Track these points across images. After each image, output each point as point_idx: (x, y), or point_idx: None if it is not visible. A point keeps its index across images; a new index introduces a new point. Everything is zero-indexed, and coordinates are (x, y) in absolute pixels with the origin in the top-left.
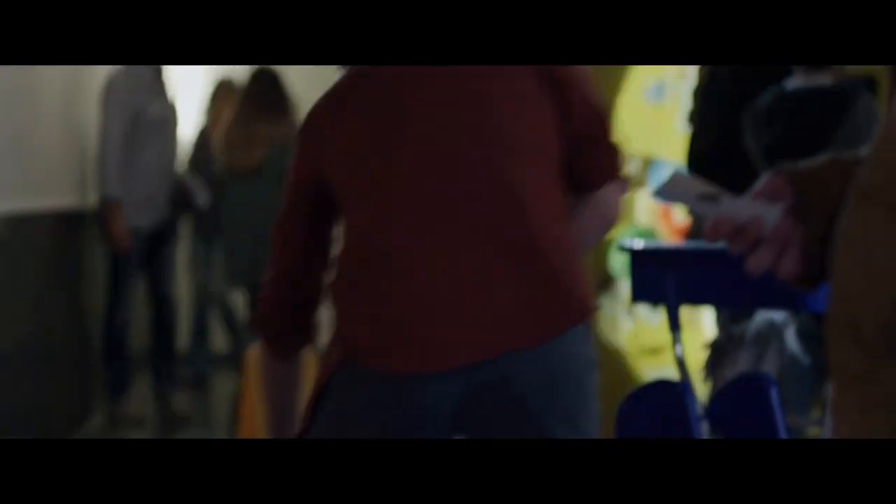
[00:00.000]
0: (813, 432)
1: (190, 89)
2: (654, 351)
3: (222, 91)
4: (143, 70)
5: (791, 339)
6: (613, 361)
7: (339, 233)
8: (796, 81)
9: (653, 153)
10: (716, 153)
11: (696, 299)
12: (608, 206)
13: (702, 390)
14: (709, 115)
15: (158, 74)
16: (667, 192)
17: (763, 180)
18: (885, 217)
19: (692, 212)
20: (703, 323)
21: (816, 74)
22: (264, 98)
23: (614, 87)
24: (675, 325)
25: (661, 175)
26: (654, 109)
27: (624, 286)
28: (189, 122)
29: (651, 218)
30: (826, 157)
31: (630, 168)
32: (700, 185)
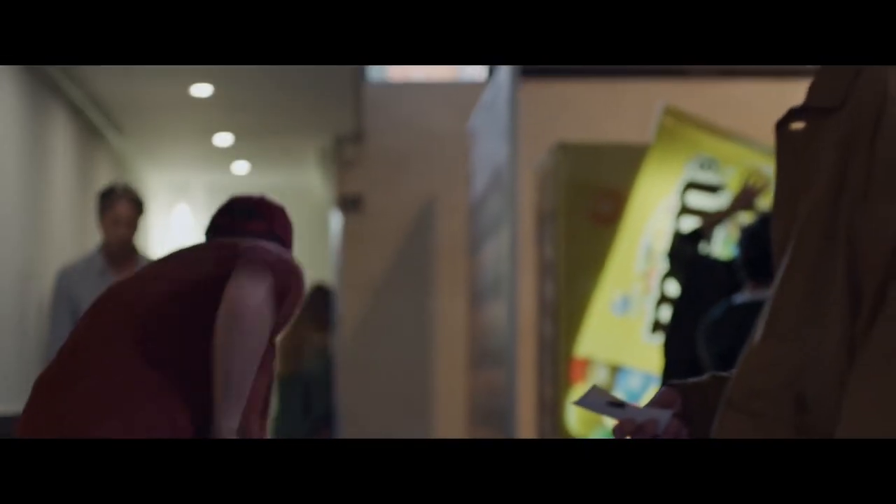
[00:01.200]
0: None
1: None
2: None
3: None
4: (91, 262)
5: None
6: None
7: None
8: (744, 296)
9: (619, 362)
10: (684, 363)
11: None
12: (226, 315)
13: None
14: (677, 328)
15: (109, 263)
16: (584, 402)
17: (659, 392)
18: (744, 421)
19: (604, 416)
20: None
21: (762, 289)
22: (315, 311)
23: (584, 301)
24: None
25: (627, 382)
26: (620, 321)
27: None
28: None
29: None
30: (708, 375)
31: (599, 376)
32: (609, 396)
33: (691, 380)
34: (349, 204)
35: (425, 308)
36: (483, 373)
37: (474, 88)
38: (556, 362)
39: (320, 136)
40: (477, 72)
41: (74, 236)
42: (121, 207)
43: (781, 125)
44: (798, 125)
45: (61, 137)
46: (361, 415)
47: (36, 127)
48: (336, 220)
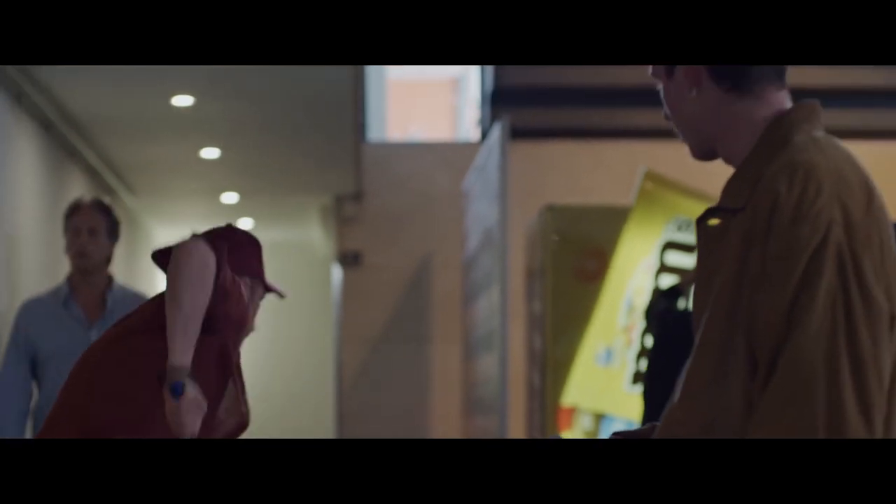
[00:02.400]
0: None
1: None
2: None
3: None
4: (57, 292)
5: None
6: None
7: None
8: None
9: (603, 410)
10: (659, 408)
11: None
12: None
13: None
14: (657, 378)
15: (73, 288)
16: None
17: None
18: None
19: None
20: None
21: None
22: None
23: (570, 353)
24: None
25: (610, 429)
26: (604, 372)
27: None
28: None
29: None
30: (648, 424)
31: (584, 423)
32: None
33: (634, 429)
34: (349, 259)
35: (422, 358)
36: (476, 420)
37: (469, 148)
38: (544, 410)
39: (321, 195)
40: (472, 133)
41: None
42: (83, 215)
43: (700, 221)
44: (714, 221)
45: (77, 196)
46: None
47: (56, 187)
48: (336, 275)
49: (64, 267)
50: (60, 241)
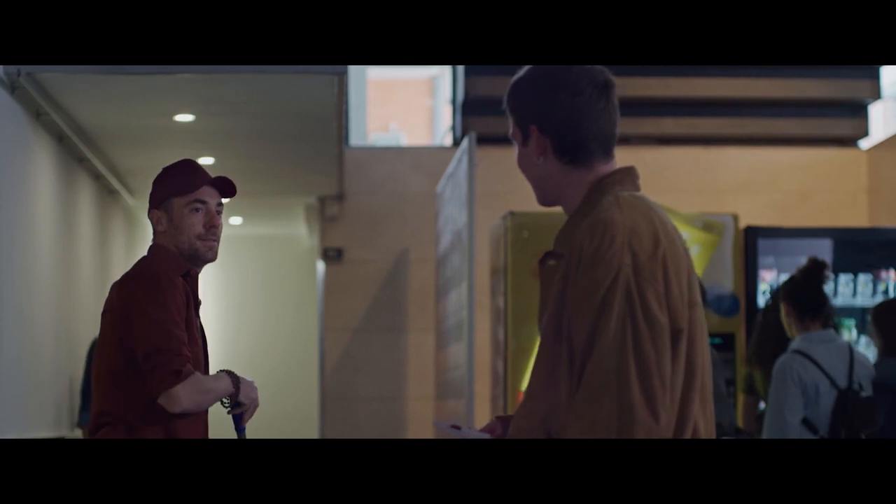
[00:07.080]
0: None
1: None
2: None
3: None
4: None
5: None
6: None
7: None
8: None
9: None
10: None
11: None
12: None
13: None
14: None
15: None
16: (437, 424)
17: (489, 422)
18: None
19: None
20: None
21: None
22: None
23: (529, 343)
24: None
25: None
26: None
27: None
28: None
29: None
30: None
31: None
32: (454, 423)
33: (507, 415)
34: (331, 255)
35: (398, 346)
36: (446, 403)
37: (443, 153)
38: (507, 394)
39: (307, 196)
40: (446, 139)
41: (97, 280)
42: None
43: (541, 261)
44: (551, 262)
45: (85, 197)
46: (344, 438)
47: (66, 188)
48: (320, 269)
49: (72, 255)
50: (72, 235)
